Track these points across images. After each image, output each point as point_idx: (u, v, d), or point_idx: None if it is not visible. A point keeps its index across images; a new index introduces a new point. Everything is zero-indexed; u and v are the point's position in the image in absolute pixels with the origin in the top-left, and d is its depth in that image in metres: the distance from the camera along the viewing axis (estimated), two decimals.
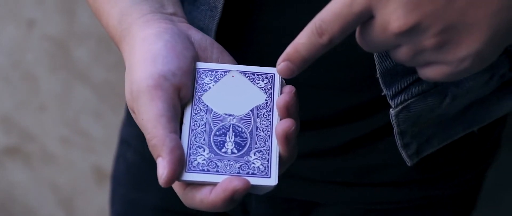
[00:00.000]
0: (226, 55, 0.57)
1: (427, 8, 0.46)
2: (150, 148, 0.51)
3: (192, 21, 0.63)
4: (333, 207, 0.75)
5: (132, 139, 0.82)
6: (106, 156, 1.42)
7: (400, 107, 0.62)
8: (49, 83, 1.37)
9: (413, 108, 0.62)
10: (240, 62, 0.58)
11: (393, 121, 0.62)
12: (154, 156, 0.51)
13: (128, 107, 0.54)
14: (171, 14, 0.58)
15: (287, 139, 0.51)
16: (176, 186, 0.53)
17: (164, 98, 0.51)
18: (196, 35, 0.57)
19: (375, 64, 0.60)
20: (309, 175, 0.72)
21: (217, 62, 0.57)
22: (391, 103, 0.62)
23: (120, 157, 0.84)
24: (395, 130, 0.63)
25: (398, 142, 0.64)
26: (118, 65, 1.32)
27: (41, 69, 1.36)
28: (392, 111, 0.62)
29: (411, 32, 0.47)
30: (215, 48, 0.57)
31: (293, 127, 0.51)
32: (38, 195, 1.51)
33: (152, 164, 0.79)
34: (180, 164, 0.51)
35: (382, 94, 0.62)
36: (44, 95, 1.39)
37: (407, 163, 0.66)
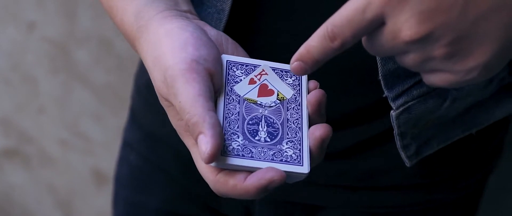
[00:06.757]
0: (240, 50, 0.58)
1: (440, 19, 0.46)
2: (190, 128, 0.51)
3: None
4: (336, 211, 0.75)
5: (135, 142, 0.82)
6: (105, 158, 1.42)
7: (401, 109, 0.62)
8: (48, 85, 1.37)
9: (413, 110, 0.63)
10: None
11: (394, 122, 0.63)
12: (194, 136, 0.51)
13: (162, 98, 0.55)
14: (186, 11, 0.59)
15: (322, 143, 0.53)
16: (207, 172, 0.52)
17: (199, 80, 0.52)
18: (212, 31, 0.58)
19: (377, 67, 0.60)
20: (312, 178, 0.71)
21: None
22: (392, 105, 0.62)
23: (123, 160, 0.84)
24: (396, 131, 0.64)
25: (398, 143, 0.65)
26: (118, 67, 1.32)
27: (41, 71, 1.36)
28: (393, 113, 0.62)
29: (422, 41, 0.47)
30: (230, 43, 0.58)
31: (330, 134, 0.53)
32: (37, 197, 1.51)
33: (155, 167, 0.80)
34: (222, 139, 0.51)
35: (383, 96, 0.62)
36: (43, 97, 1.39)
37: (406, 163, 0.67)
